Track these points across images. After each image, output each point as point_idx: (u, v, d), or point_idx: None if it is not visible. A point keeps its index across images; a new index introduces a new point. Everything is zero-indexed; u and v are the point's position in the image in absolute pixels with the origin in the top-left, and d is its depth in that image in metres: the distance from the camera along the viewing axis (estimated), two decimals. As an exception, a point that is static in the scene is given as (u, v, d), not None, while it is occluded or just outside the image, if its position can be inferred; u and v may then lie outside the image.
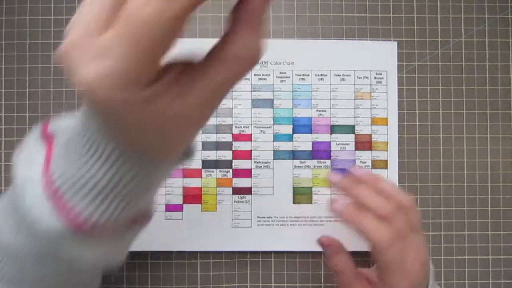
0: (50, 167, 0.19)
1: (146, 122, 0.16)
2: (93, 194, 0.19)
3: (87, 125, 0.18)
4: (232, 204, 0.42)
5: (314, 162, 0.42)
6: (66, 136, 0.20)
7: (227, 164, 0.42)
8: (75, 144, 0.19)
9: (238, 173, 0.42)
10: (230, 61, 0.16)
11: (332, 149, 0.42)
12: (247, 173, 0.42)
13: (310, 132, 0.42)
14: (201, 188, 0.42)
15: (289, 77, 0.42)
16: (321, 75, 0.42)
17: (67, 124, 0.21)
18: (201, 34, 0.42)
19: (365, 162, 0.42)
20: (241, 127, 0.42)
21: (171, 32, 0.13)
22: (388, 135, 0.42)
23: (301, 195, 0.42)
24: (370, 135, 0.42)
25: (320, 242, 0.37)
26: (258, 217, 0.41)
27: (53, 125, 0.22)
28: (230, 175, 0.42)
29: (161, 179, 0.21)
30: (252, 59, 0.16)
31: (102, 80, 0.14)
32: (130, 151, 0.18)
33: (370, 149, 0.42)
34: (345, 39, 0.43)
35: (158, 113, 0.16)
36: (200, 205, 0.41)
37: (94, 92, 0.14)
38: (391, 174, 0.42)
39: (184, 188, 0.42)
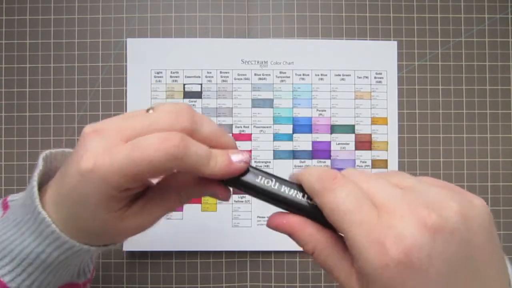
0: None
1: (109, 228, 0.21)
2: (15, 263, 0.21)
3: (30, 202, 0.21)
4: (232, 204, 0.42)
5: (314, 162, 0.42)
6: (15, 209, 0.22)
7: (227, 164, 0.42)
8: (17, 215, 0.21)
9: (238, 173, 0.42)
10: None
11: (332, 148, 0.42)
12: (247, 173, 0.42)
13: (310, 131, 0.42)
14: (201, 188, 0.42)
15: (289, 77, 0.42)
16: (321, 75, 0.42)
17: (21, 196, 0.23)
18: (201, 33, 0.42)
19: (365, 162, 0.42)
20: (241, 127, 0.42)
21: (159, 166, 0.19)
22: (388, 134, 0.42)
23: (301, 195, 0.42)
24: (370, 134, 0.42)
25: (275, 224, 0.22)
26: (258, 217, 0.41)
27: (11, 197, 0.25)
28: (230, 175, 0.42)
29: (88, 258, 0.25)
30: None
31: (107, 167, 0.18)
32: (76, 238, 0.21)
33: (370, 149, 0.42)
34: (345, 39, 0.43)
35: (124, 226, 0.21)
36: (200, 205, 0.41)
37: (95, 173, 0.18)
38: (391, 174, 0.42)
39: (184, 188, 0.41)
